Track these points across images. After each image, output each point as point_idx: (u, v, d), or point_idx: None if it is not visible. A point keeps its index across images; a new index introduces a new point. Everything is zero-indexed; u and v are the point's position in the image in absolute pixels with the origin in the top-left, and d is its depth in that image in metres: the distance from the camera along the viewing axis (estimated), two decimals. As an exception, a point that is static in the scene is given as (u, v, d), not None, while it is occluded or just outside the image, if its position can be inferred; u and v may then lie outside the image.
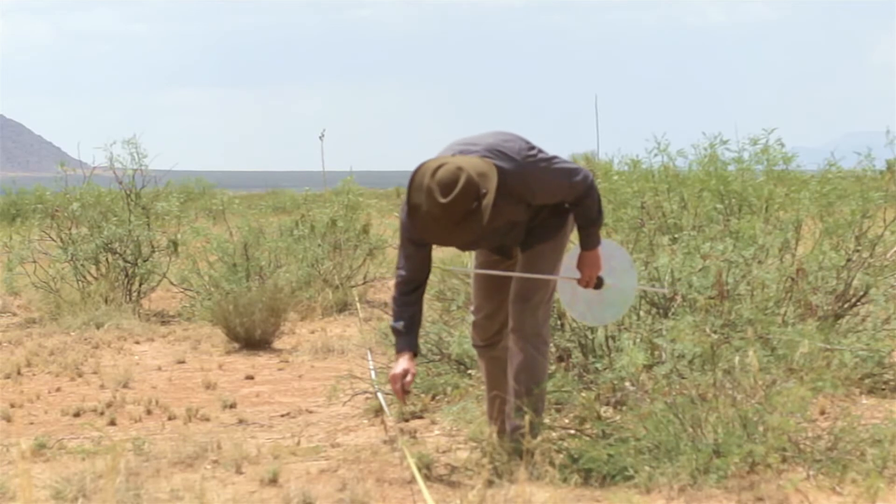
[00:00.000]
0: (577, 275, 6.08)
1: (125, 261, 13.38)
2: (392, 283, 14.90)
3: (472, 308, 6.28)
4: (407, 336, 5.93)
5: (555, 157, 5.90)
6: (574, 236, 6.22)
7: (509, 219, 5.90)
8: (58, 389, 9.03)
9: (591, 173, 6.01)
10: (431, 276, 8.02)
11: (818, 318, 7.54)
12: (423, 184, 5.72)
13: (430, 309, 8.18)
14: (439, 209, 5.66)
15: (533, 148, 5.86)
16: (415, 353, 5.92)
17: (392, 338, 6.04)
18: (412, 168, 5.90)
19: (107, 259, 13.40)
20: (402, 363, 5.86)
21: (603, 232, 6.14)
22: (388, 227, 14.94)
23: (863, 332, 7.61)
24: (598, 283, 6.11)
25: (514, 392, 5.99)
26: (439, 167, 5.70)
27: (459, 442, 6.59)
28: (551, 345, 7.21)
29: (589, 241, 6.04)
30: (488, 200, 5.68)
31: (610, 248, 6.21)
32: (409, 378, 5.85)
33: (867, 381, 7.49)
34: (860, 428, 5.85)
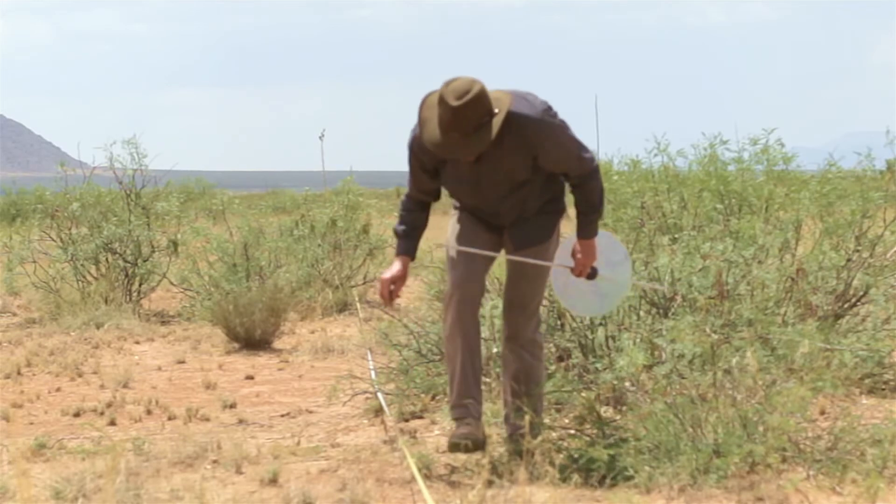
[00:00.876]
0: (572, 263, 6.05)
1: (125, 261, 13.38)
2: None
3: (448, 271, 6.11)
4: (406, 240, 6.00)
5: (569, 127, 5.92)
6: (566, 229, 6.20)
7: (512, 174, 5.87)
8: (58, 389, 9.03)
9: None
10: (431, 277, 8.01)
11: (818, 318, 7.53)
12: (434, 99, 5.75)
13: (431, 309, 8.18)
14: (450, 114, 5.65)
15: (552, 109, 5.88)
16: (411, 257, 6.00)
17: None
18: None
19: (107, 259, 13.40)
20: (395, 267, 5.94)
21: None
22: (387, 227, 14.93)
23: (863, 332, 7.61)
24: (592, 274, 6.08)
25: (512, 393, 5.98)
26: (454, 79, 5.72)
27: (459, 442, 6.59)
28: (551, 345, 7.21)
29: (587, 230, 6.00)
30: (499, 119, 5.68)
31: (606, 239, 6.18)
32: (397, 286, 5.92)
33: (867, 381, 7.49)
34: (860, 428, 5.85)
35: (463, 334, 5.91)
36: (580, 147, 5.89)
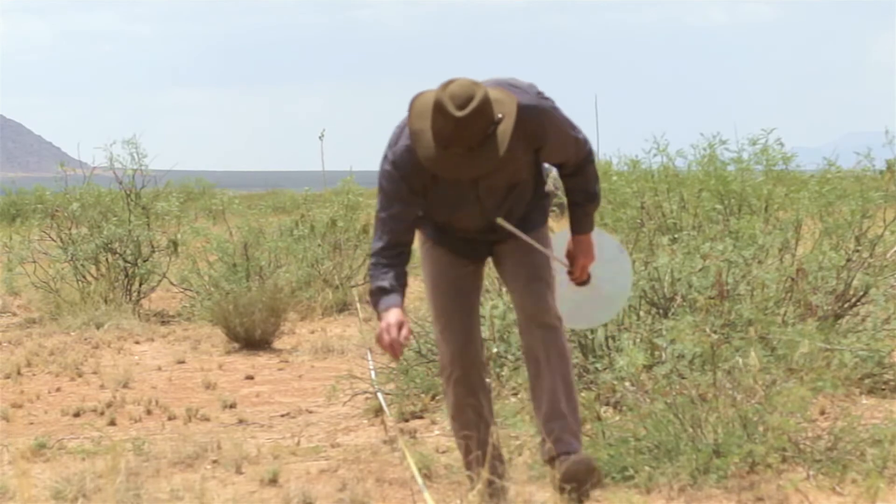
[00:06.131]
0: (567, 264, 5.38)
1: (125, 261, 13.38)
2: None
3: (438, 328, 5.31)
4: (394, 294, 5.01)
5: (558, 107, 5.18)
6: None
7: (511, 176, 5.12)
8: (58, 389, 9.03)
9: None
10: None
11: (818, 318, 7.53)
12: (428, 106, 4.89)
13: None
14: (452, 126, 4.82)
15: (540, 89, 5.16)
16: (402, 309, 5.05)
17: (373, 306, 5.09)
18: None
19: (107, 259, 13.40)
20: (394, 315, 4.97)
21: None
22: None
23: (863, 332, 7.61)
24: (586, 279, 5.43)
25: (549, 414, 5.17)
26: (451, 82, 4.89)
27: (459, 442, 6.59)
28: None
29: (584, 224, 5.29)
30: (507, 126, 4.89)
31: (597, 236, 5.45)
32: (405, 331, 4.97)
33: (867, 381, 7.48)
34: (860, 428, 5.85)
35: (474, 406, 5.27)
36: (573, 128, 5.17)
